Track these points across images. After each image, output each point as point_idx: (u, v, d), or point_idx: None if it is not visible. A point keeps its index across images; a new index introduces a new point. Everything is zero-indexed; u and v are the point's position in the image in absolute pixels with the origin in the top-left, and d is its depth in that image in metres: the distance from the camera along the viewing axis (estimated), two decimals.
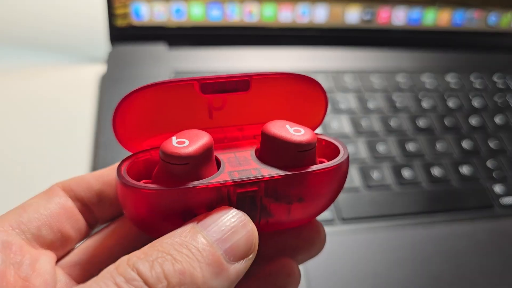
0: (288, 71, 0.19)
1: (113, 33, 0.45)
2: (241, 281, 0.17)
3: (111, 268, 0.14)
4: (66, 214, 0.19)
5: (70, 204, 0.19)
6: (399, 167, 0.38)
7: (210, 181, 0.17)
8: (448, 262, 0.33)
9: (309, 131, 0.18)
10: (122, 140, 0.19)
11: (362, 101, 0.43)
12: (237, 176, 0.17)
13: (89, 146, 0.39)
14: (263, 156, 0.18)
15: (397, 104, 0.43)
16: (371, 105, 0.43)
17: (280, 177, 0.17)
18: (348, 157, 0.19)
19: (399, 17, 0.49)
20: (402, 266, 0.32)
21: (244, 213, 0.16)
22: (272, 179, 0.17)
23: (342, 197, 0.35)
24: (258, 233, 0.18)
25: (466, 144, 0.41)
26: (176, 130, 0.18)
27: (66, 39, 0.50)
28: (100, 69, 0.46)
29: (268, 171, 0.17)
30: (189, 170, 0.16)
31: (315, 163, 0.18)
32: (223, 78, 0.18)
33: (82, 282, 0.18)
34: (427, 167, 0.38)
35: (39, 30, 0.50)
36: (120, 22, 0.45)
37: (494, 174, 0.39)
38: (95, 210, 0.20)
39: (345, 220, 0.34)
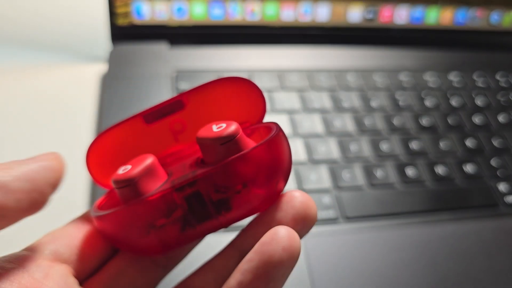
0: (220, 78, 0.21)
1: (114, 32, 0.45)
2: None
3: None
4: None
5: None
6: (402, 166, 0.38)
7: (149, 194, 0.18)
8: (453, 260, 0.32)
9: (232, 124, 0.19)
10: (98, 180, 0.21)
11: (365, 99, 0.43)
12: (176, 182, 0.19)
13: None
14: (203, 160, 0.20)
15: (400, 103, 0.43)
16: (374, 103, 0.43)
17: (208, 171, 0.18)
18: (278, 133, 0.19)
19: (401, 15, 0.49)
20: (407, 264, 0.32)
21: None
22: (204, 175, 0.18)
23: (345, 195, 0.35)
24: (226, 228, 0.19)
25: (470, 142, 0.41)
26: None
27: (67, 38, 0.49)
28: (101, 68, 0.45)
29: (201, 170, 0.19)
30: (134, 189, 0.19)
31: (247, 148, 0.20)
32: (158, 106, 0.21)
33: None
34: (431, 166, 0.38)
35: (40, 29, 0.50)
36: (121, 21, 0.45)
37: (498, 173, 0.38)
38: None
39: (349, 218, 0.34)
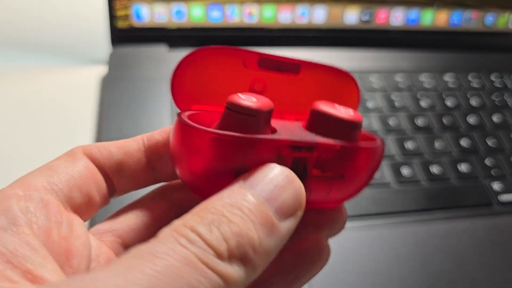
0: (331, 65, 0.20)
1: (114, 35, 0.46)
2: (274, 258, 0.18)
3: (168, 230, 0.14)
4: (93, 178, 0.18)
5: (95, 168, 0.19)
6: (398, 166, 0.38)
7: (276, 137, 0.17)
8: (448, 258, 0.33)
9: (357, 112, 0.18)
10: (177, 97, 0.19)
11: (361, 100, 0.44)
12: (295, 139, 0.17)
13: None
14: (312, 132, 0.18)
15: (396, 104, 0.44)
16: (370, 104, 0.43)
17: (336, 145, 0.17)
18: (383, 145, 0.19)
19: (397, 18, 0.50)
20: (402, 262, 0.32)
21: (289, 169, 0.16)
22: (329, 146, 0.17)
23: None
24: None
25: (464, 142, 0.41)
26: (220, 101, 0.19)
27: (68, 41, 0.50)
28: (102, 70, 0.46)
29: (323, 140, 0.18)
30: (255, 123, 0.17)
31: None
32: (278, 56, 0.19)
33: (114, 249, 0.18)
34: (426, 165, 0.39)
35: (41, 32, 0.50)
36: (121, 24, 0.45)
37: (492, 172, 0.39)
38: (115, 180, 0.19)
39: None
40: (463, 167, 0.39)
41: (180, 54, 0.47)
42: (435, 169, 0.38)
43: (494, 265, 0.33)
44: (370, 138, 0.20)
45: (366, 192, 0.36)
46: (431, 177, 0.38)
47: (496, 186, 0.38)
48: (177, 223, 0.14)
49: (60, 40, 0.50)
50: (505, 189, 0.38)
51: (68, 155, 0.18)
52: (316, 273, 0.20)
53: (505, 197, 0.37)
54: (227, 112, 0.17)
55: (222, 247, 0.13)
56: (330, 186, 0.18)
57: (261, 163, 0.16)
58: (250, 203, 0.15)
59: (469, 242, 0.34)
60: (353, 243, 0.33)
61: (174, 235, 0.13)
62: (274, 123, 0.19)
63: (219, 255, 0.13)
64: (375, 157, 0.19)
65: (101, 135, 0.38)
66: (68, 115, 0.42)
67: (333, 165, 0.18)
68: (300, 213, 0.16)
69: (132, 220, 0.19)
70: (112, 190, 0.19)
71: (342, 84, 0.20)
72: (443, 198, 0.37)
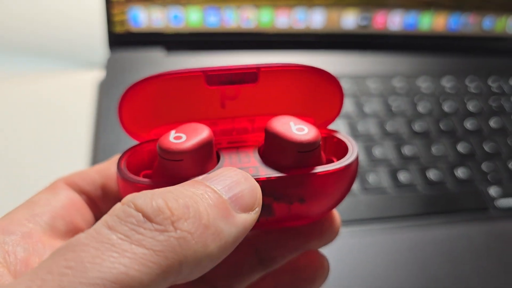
0: (301, 63, 0.18)
1: (111, 39, 0.46)
2: (270, 274, 0.17)
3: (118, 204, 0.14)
4: (75, 206, 0.19)
5: (77, 197, 0.19)
6: (395, 171, 0.38)
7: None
8: (444, 263, 0.33)
9: (313, 130, 0.17)
10: (127, 128, 0.19)
11: (359, 105, 0.44)
12: None
13: (87, 151, 0.39)
14: (265, 154, 0.18)
15: (393, 108, 0.44)
16: (367, 109, 0.43)
17: (276, 178, 0.17)
18: (357, 158, 0.18)
19: (395, 22, 0.50)
20: (399, 267, 0.32)
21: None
22: (268, 180, 0.17)
23: None
24: (259, 231, 0.18)
25: (461, 147, 0.41)
26: (185, 120, 0.18)
27: (65, 45, 0.50)
28: (99, 74, 0.46)
29: (266, 171, 0.17)
30: (184, 166, 0.16)
31: (320, 162, 0.18)
32: (229, 70, 0.18)
33: None
34: (423, 170, 0.39)
35: (38, 37, 0.51)
36: (118, 29, 0.45)
37: (489, 177, 0.39)
38: (100, 203, 0.20)
39: (341, 222, 0.34)
40: (460, 172, 0.39)
41: (178, 58, 0.47)
42: (432, 174, 0.38)
43: (490, 270, 0.33)
44: (344, 150, 0.19)
45: (363, 197, 0.36)
46: (428, 182, 0.38)
47: (493, 191, 0.38)
48: (127, 196, 0.14)
49: (57, 44, 0.50)
50: (501, 194, 0.38)
51: (49, 188, 0.19)
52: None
53: (501, 202, 0.37)
54: (158, 156, 0.17)
55: (161, 216, 0.13)
56: (290, 209, 0.18)
57: None
58: (203, 189, 0.14)
59: (466, 247, 0.34)
60: (349, 248, 0.33)
61: (116, 207, 0.13)
62: (226, 148, 0.18)
63: (150, 219, 0.13)
64: (338, 178, 0.18)
65: (98, 139, 0.38)
66: (65, 119, 0.42)
67: (285, 192, 0.17)
68: (258, 210, 0.16)
69: None
70: (99, 213, 0.20)
71: (320, 84, 0.19)
72: (440, 203, 0.37)
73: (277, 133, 0.17)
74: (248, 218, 0.15)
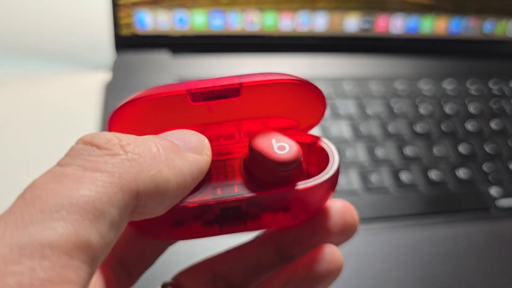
0: (283, 75, 0.19)
1: (117, 42, 0.46)
2: (283, 268, 0.18)
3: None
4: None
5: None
6: (397, 171, 0.39)
7: (191, 200, 0.18)
8: (446, 263, 0.33)
9: (294, 148, 0.18)
10: None
11: (361, 107, 0.44)
12: (220, 193, 0.18)
13: None
14: (249, 168, 0.19)
15: (395, 110, 0.44)
16: (369, 111, 0.44)
17: (260, 195, 0.18)
18: (337, 169, 0.19)
19: (397, 25, 0.51)
20: (400, 266, 0.33)
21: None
22: (252, 198, 0.18)
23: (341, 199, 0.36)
24: (278, 229, 0.19)
25: (462, 148, 0.42)
26: (173, 128, 0.19)
27: (72, 47, 0.51)
28: (105, 77, 0.47)
29: (250, 188, 0.18)
30: None
31: (301, 174, 0.19)
32: (212, 86, 0.18)
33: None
34: (424, 171, 0.39)
35: (45, 39, 0.51)
36: (124, 31, 0.46)
37: (490, 177, 0.40)
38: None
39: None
40: (461, 173, 0.40)
41: (183, 60, 0.48)
42: (433, 174, 0.39)
43: (491, 269, 0.33)
44: (326, 159, 0.19)
45: (365, 197, 0.36)
46: (430, 182, 0.38)
47: (494, 191, 0.39)
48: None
49: (64, 46, 0.51)
50: (502, 194, 0.38)
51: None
52: (329, 284, 0.19)
53: (502, 202, 0.38)
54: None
55: (110, 144, 0.13)
56: (274, 217, 0.19)
57: (188, 219, 0.18)
58: (155, 137, 0.15)
59: (467, 247, 0.35)
60: (351, 247, 0.33)
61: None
62: (214, 161, 0.19)
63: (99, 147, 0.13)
64: (319, 190, 0.19)
65: None
66: (72, 121, 0.43)
67: (268, 205, 0.18)
68: (208, 153, 0.17)
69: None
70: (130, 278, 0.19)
71: (303, 94, 0.20)
72: (441, 203, 0.37)
73: (259, 152, 0.18)
74: (200, 158, 0.16)
